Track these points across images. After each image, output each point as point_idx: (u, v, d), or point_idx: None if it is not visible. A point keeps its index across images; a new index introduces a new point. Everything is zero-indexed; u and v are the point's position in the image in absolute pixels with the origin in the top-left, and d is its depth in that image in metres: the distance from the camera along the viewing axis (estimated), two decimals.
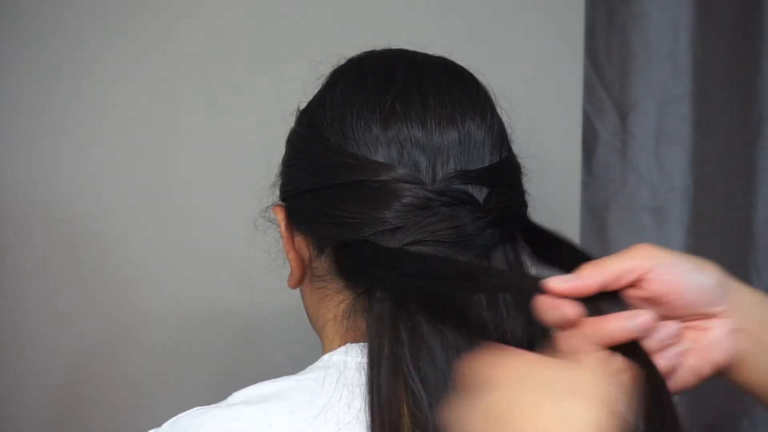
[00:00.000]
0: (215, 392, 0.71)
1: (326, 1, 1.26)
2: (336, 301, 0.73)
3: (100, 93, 1.20)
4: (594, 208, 1.38)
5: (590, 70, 1.37)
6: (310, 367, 0.72)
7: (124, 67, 1.21)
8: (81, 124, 1.20)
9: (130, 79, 1.21)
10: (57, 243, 1.21)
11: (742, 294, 0.64)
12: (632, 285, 0.62)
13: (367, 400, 0.66)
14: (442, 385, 0.65)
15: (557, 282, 0.60)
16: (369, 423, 0.65)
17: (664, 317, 0.61)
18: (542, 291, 0.60)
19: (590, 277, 0.60)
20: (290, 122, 0.79)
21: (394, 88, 0.72)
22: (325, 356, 0.72)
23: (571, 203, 1.37)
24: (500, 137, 0.74)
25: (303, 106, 0.78)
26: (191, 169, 1.24)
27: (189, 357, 1.26)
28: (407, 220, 0.68)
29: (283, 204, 0.77)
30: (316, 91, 0.78)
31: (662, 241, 1.35)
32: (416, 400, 0.65)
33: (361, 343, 0.71)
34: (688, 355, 0.62)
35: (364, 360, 0.68)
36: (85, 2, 1.19)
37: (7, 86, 1.18)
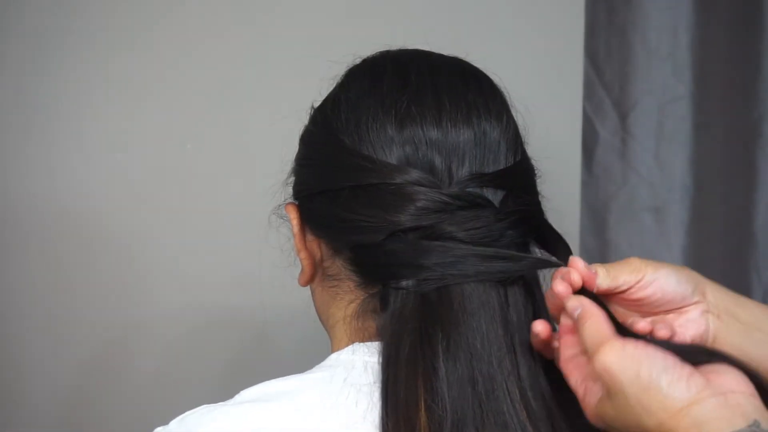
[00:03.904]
0: (224, 391, 0.71)
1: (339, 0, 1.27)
2: (346, 301, 0.73)
3: (107, 89, 1.20)
4: (594, 208, 1.38)
5: (590, 70, 1.37)
6: (317, 366, 0.72)
7: (133, 64, 1.21)
8: (88, 123, 1.20)
9: (140, 77, 1.21)
10: (66, 245, 1.21)
11: (712, 289, 0.74)
12: (624, 292, 0.72)
13: (381, 397, 0.66)
14: (463, 380, 0.65)
15: (581, 264, 0.70)
16: (382, 420, 0.65)
17: (649, 313, 0.73)
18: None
19: (603, 278, 0.71)
20: (304, 120, 0.78)
21: (409, 89, 0.72)
22: (333, 355, 0.72)
23: (571, 203, 1.37)
24: (515, 139, 0.74)
25: (317, 104, 0.78)
26: (199, 170, 1.24)
27: (197, 356, 1.26)
28: (422, 222, 0.68)
29: (295, 203, 0.77)
30: (329, 88, 0.78)
31: (662, 240, 1.35)
32: (435, 395, 0.65)
33: (369, 343, 0.71)
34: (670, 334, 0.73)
35: (372, 359, 0.68)
36: None
37: (10, 86, 1.18)
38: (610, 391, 0.61)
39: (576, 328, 0.66)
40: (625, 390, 0.60)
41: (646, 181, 1.35)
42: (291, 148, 0.78)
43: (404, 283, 0.68)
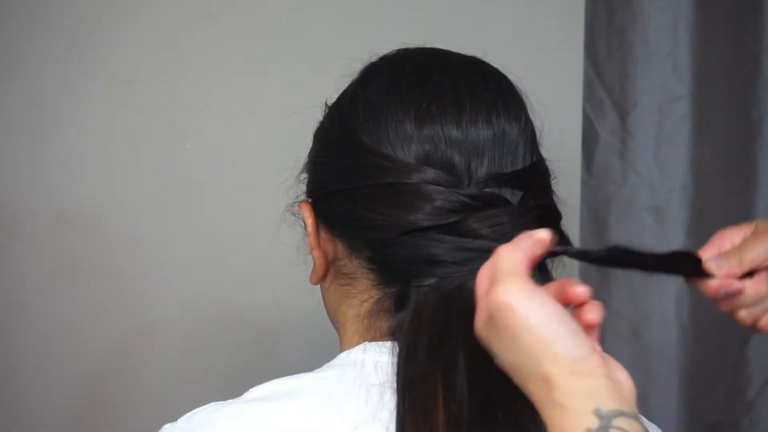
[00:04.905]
0: (234, 390, 0.71)
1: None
2: (359, 300, 0.73)
3: (108, 88, 1.20)
4: (594, 208, 1.38)
5: (590, 70, 1.37)
6: (327, 364, 0.72)
7: (144, 60, 1.21)
8: (90, 123, 1.21)
9: (152, 73, 1.21)
10: (74, 246, 1.21)
11: None
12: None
13: (398, 394, 0.66)
14: (482, 377, 0.65)
15: (715, 267, 0.70)
16: (398, 417, 0.65)
17: None
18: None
19: (736, 267, 0.70)
20: (316, 116, 0.78)
21: (429, 89, 0.71)
22: (343, 354, 0.72)
23: (571, 203, 1.37)
24: (532, 140, 0.74)
25: (331, 100, 0.77)
26: (204, 169, 1.24)
27: (207, 355, 1.26)
28: (439, 222, 0.68)
29: (309, 200, 0.77)
30: (341, 84, 0.77)
31: (662, 240, 1.35)
32: (454, 390, 0.64)
33: (380, 342, 0.71)
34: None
35: (382, 359, 0.68)
36: None
37: (11, 86, 1.18)
38: (498, 325, 0.58)
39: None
40: (519, 333, 0.57)
41: (646, 181, 1.35)
42: (300, 146, 0.78)
43: (428, 281, 0.68)
